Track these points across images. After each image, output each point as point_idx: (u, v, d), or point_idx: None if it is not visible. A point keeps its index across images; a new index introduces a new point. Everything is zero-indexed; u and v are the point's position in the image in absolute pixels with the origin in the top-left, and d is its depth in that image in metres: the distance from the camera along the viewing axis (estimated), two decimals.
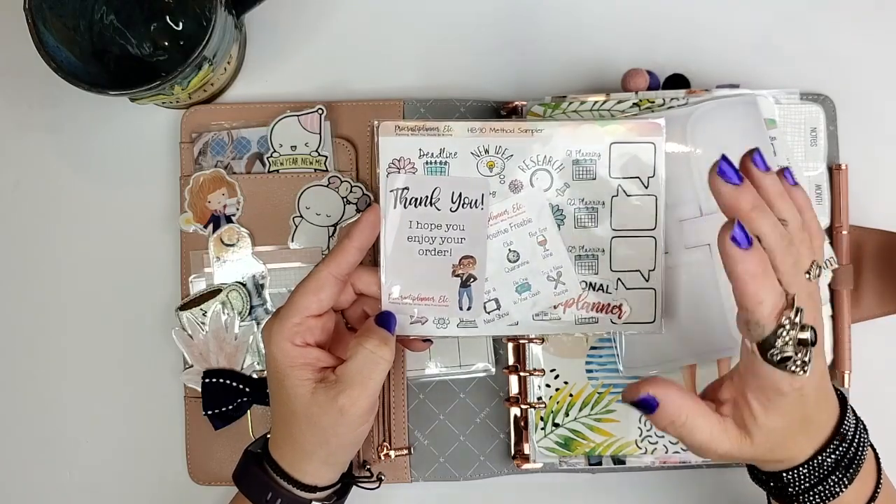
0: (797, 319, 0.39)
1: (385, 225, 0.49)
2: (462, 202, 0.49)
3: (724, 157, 0.40)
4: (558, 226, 0.50)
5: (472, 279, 0.50)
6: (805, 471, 0.43)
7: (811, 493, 0.43)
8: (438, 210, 0.49)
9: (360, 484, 0.53)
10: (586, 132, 0.49)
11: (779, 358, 0.39)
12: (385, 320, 0.48)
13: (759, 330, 0.40)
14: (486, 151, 0.49)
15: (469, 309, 0.50)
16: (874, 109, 0.60)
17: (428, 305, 0.49)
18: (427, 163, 0.49)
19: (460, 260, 0.49)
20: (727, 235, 0.39)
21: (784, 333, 0.39)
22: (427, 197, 0.49)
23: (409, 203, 0.49)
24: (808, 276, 0.41)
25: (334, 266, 0.47)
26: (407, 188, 0.49)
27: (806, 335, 0.39)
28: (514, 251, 0.50)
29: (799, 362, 0.39)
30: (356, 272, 0.49)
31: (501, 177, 0.49)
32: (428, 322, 0.50)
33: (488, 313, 0.50)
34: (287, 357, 0.46)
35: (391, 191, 0.49)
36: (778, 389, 0.41)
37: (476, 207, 0.49)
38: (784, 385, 0.40)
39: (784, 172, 0.43)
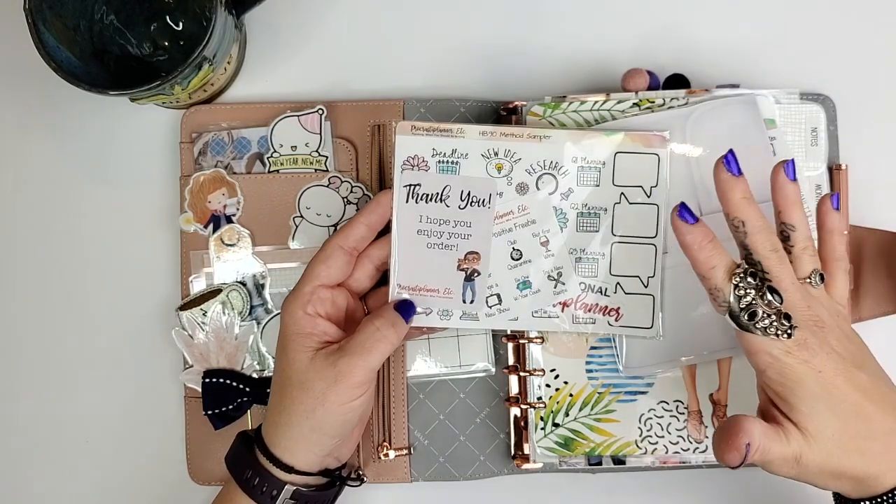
0: (748, 277, 0.41)
1: (397, 218, 0.51)
2: (470, 201, 0.51)
3: (731, 151, 0.43)
4: (561, 228, 0.52)
5: (476, 274, 0.51)
6: (883, 499, 0.41)
7: None
8: (448, 207, 0.51)
9: (343, 482, 0.53)
10: (592, 141, 0.51)
11: (747, 316, 0.41)
12: (403, 308, 0.50)
13: (720, 295, 0.42)
14: (496, 154, 0.51)
15: (472, 302, 0.52)
16: (874, 109, 0.59)
17: (433, 297, 0.51)
18: (439, 162, 0.51)
19: (466, 255, 0.51)
20: (675, 212, 0.43)
21: (740, 289, 0.41)
22: (438, 194, 0.51)
23: (421, 199, 0.51)
24: (808, 281, 0.44)
25: (342, 238, 0.50)
26: (419, 184, 0.51)
27: (759, 289, 0.41)
28: (518, 250, 0.51)
29: (775, 323, 0.41)
30: (370, 245, 0.51)
31: (509, 179, 0.51)
32: (432, 313, 0.52)
33: (490, 307, 0.52)
34: (295, 324, 0.48)
35: (404, 186, 0.51)
36: (771, 356, 0.41)
37: (483, 206, 0.51)
38: (774, 349, 0.41)
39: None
